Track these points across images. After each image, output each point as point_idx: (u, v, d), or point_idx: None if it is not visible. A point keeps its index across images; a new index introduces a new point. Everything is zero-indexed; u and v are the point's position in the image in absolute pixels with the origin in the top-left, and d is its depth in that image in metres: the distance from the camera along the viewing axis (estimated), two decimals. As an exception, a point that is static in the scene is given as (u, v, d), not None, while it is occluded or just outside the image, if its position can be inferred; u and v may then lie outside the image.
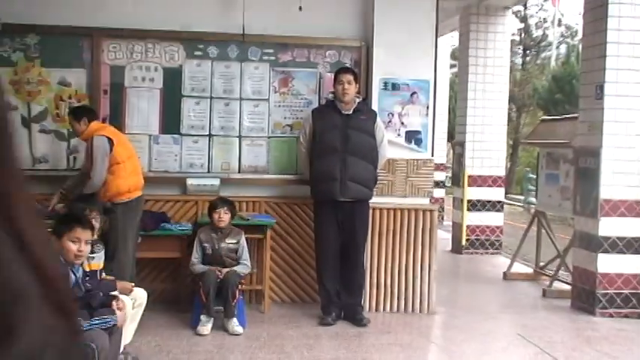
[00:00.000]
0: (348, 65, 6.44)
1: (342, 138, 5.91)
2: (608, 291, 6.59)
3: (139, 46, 6.33)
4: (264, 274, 6.35)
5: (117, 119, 6.28)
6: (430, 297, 6.50)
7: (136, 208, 5.71)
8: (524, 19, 26.82)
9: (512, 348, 5.68)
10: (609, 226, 6.57)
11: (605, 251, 6.56)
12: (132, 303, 4.61)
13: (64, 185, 5.87)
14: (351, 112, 5.98)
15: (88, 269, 4.69)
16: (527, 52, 27.60)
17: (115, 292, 4.53)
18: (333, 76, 6.25)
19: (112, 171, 5.55)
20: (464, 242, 10.10)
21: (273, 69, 6.55)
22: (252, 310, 6.23)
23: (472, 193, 10.11)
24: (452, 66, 16.61)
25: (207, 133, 6.47)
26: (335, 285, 6.11)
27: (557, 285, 7.70)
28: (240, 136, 6.52)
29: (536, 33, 27.70)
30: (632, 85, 6.56)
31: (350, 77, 5.97)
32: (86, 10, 6.30)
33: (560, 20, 27.11)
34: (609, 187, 6.58)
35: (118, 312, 3.98)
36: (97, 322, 3.81)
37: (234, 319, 5.64)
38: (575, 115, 7.45)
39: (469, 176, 10.05)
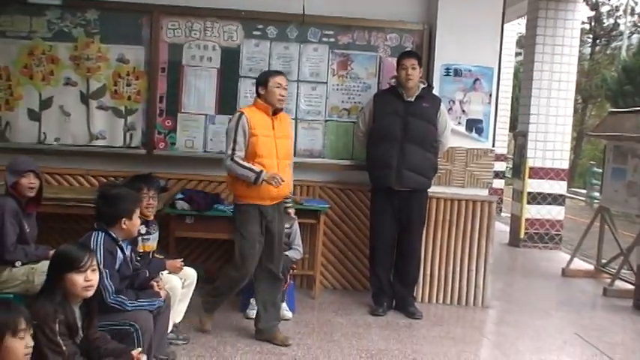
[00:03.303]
0: (410, 49, 6.26)
1: (401, 125, 5.74)
2: (674, 293, 6.33)
3: (197, 24, 6.27)
4: (315, 260, 6.28)
5: (174, 98, 6.27)
6: (485, 290, 6.34)
7: None
8: (595, 6, 26.03)
9: (569, 348, 5.47)
10: (678, 226, 6.30)
11: (673, 252, 6.30)
12: (182, 282, 4.59)
13: None
14: (413, 99, 5.81)
15: (141, 250, 4.69)
16: (597, 41, 26.77)
17: (164, 272, 4.52)
18: (393, 61, 6.09)
19: None
20: (522, 235, 9.90)
21: (332, 51, 6.42)
22: (302, 296, 6.18)
23: (533, 185, 9.88)
24: (517, 54, 16.29)
25: (264, 115, 6.39)
26: (388, 274, 5.99)
27: (618, 284, 7.44)
28: (296, 119, 6.41)
29: (608, 22, 26.84)
30: None
31: (414, 62, 5.77)
32: (147, -13, 6.28)
33: (633, 9, 26.27)
34: (680, 185, 6.30)
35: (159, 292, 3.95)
36: (144, 303, 3.77)
37: (284, 304, 5.58)
38: (646, 107, 7.15)
39: (530, 168, 9.81)
